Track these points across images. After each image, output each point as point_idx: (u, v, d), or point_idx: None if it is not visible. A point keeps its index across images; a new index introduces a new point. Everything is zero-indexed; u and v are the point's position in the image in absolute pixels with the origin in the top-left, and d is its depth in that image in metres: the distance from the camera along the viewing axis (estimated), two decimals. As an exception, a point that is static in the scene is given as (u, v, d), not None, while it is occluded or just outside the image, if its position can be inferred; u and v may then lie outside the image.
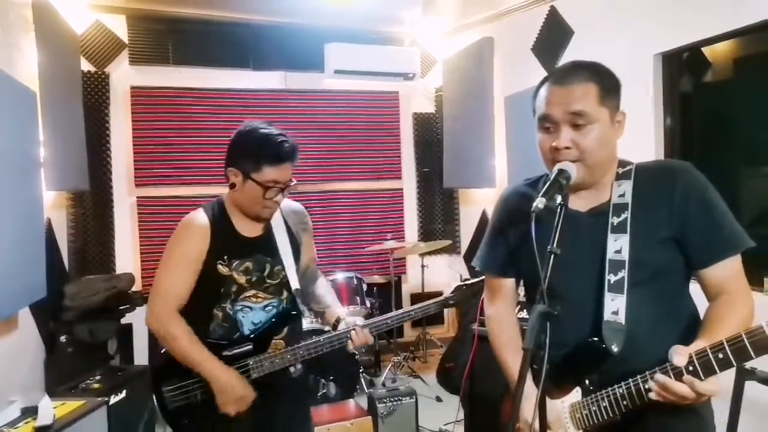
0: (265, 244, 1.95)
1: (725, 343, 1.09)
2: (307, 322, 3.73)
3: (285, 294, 1.99)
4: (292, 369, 1.97)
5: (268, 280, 1.95)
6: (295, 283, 1.99)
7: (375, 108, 5.59)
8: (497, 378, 1.59)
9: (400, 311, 2.06)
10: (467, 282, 1.98)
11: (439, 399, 4.28)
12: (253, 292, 1.91)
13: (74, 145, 4.10)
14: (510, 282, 1.61)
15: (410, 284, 5.69)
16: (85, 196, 4.54)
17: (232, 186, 1.88)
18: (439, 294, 5.60)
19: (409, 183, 5.78)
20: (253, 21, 5.04)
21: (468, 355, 3.30)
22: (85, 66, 4.57)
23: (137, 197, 4.81)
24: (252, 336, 1.92)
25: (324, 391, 3.80)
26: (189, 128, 4.90)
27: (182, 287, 1.85)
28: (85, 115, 4.35)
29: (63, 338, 3.68)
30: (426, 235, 5.77)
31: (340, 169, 5.47)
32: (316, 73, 5.18)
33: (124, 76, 4.77)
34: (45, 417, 2.35)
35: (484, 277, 1.70)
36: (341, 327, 1.96)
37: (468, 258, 5.41)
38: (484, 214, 5.15)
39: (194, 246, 1.84)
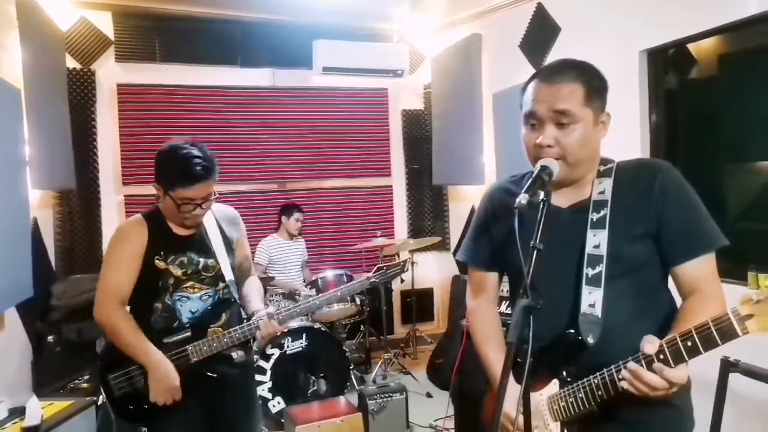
0: (198, 242, 2.11)
1: (693, 331, 1.13)
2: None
3: (221, 284, 2.12)
4: (234, 355, 2.09)
5: (204, 273, 2.09)
6: (229, 275, 2.13)
7: (364, 105, 5.58)
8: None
9: (313, 298, 2.26)
10: (387, 264, 2.20)
11: (429, 395, 4.30)
12: (190, 283, 2.05)
13: (60, 143, 4.06)
14: (493, 276, 1.63)
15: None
16: (71, 194, 4.51)
17: (158, 198, 2.04)
18: (430, 291, 5.74)
19: (398, 180, 5.80)
20: (241, 18, 5.02)
21: (457, 351, 3.32)
22: (71, 63, 4.53)
23: (125, 195, 4.78)
24: (190, 324, 2.04)
25: (314, 388, 3.79)
26: (177, 126, 4.86)
27: (125, 282, 2.00)
28: (70, 113, 4.32)
29: (50, 338, 3.66)
30: (415, 231, 5.79)
31: (329, 166, 5.46)
32: (304, 70, 5.17)
33: (111, 74, 4.74)
34: (33, 417, 2.35)
35: (404, 260, 1.77)
36: (253, 320, 2.11)
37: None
38: (473, 211, 5.16)
39: (133, 244, 2.00)
